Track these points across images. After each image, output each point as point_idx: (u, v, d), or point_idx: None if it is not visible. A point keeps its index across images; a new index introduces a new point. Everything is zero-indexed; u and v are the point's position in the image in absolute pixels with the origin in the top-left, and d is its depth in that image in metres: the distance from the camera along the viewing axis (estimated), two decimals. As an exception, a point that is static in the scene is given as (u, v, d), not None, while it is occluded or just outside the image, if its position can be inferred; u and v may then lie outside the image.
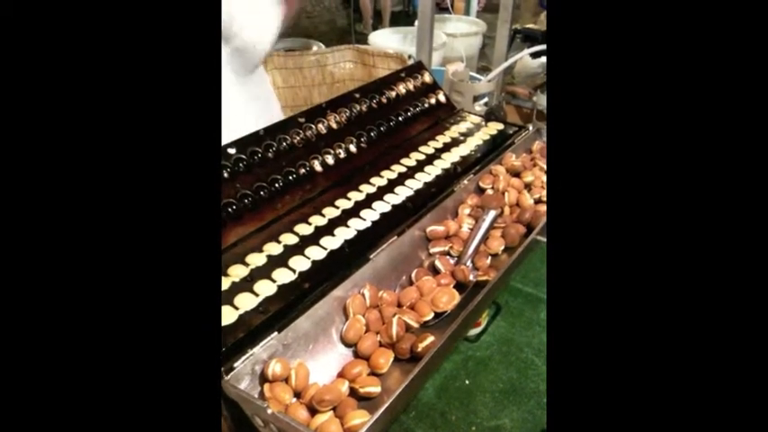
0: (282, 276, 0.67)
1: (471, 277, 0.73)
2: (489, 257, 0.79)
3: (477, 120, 1.09)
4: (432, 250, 0.79)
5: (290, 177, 0.80)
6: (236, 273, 0.67)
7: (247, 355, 0.56)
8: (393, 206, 0.81)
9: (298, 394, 0.58)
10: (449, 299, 0.68)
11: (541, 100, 1.28)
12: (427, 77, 1.09)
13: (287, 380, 0.57)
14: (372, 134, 0.94)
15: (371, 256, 0.70)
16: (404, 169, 0.91)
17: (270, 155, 0.80)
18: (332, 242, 0.73)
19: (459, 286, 0.73)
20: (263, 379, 0.57)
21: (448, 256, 0.79)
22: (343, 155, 0.88)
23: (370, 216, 0.79)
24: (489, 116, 1.11)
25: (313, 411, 0.56)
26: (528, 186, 0.91)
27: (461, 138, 1.02)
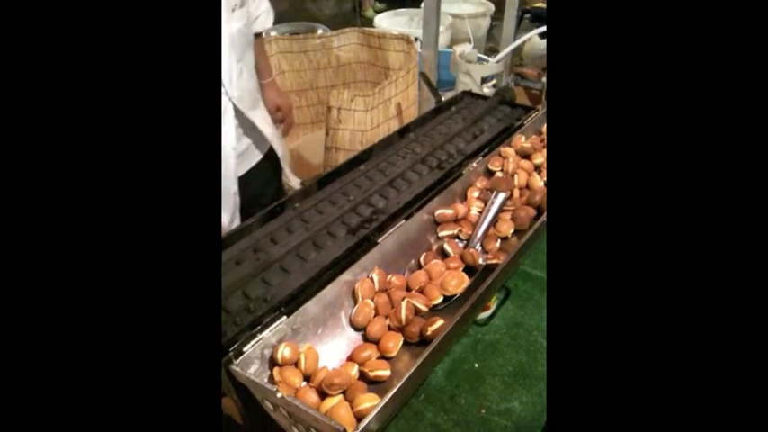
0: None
1: (480, 261, 0.72)
2: (499, 240, 0.78)
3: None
4: (440, 234, 0.78)
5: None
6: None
7: (257, 339, 0.55)
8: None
9: (307, 378, 0.58)
10: (458, 282, 0.68)
11: (551, 81, 1.26)
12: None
13: (296, 364, 0.57)
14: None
15: (379, 240, 0.70)
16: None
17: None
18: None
19: (469, 270, 0.72)
20: (273, 363, 0.57)
21: (457, 240, 0.78)
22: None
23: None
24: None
25: (323, 395, 0.56)
26: (538, 168, 0.90)
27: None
